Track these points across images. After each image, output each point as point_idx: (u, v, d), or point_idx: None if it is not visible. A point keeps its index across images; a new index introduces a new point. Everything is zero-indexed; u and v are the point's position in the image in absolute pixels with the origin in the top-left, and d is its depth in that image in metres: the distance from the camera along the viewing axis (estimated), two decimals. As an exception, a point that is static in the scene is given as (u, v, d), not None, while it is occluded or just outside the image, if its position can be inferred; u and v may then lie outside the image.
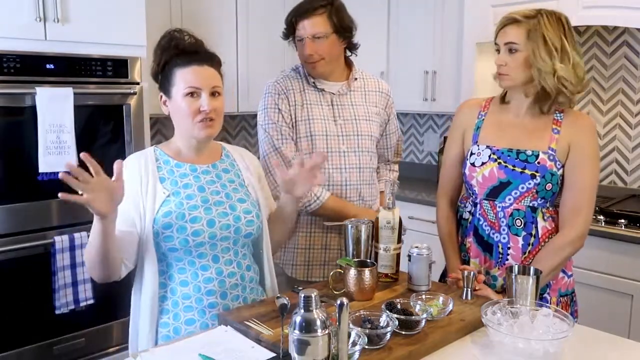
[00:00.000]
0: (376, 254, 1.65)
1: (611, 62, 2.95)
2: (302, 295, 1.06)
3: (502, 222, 1.66)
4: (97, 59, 2.52)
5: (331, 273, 1.54)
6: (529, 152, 1.64)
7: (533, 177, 1.62)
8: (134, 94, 2.62)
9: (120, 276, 1.45)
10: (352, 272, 1.49)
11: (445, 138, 3.53)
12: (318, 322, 1.05)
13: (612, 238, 2.40)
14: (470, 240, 1.73)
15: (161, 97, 1.55)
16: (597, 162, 1.68)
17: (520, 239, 1.65)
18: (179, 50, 1.51)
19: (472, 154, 1.72)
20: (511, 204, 1.65)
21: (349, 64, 2.06)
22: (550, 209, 1.68)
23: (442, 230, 1.82)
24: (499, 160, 1.66)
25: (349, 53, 2.05)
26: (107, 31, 2.53)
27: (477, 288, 1.56)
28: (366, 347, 1.18)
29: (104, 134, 2.58)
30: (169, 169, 1.53)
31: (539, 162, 1.62)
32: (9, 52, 2.28)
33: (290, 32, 1.96)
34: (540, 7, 1.64)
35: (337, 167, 1.95)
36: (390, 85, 2.17)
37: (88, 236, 1.38)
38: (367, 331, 1.21)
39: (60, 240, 2.40)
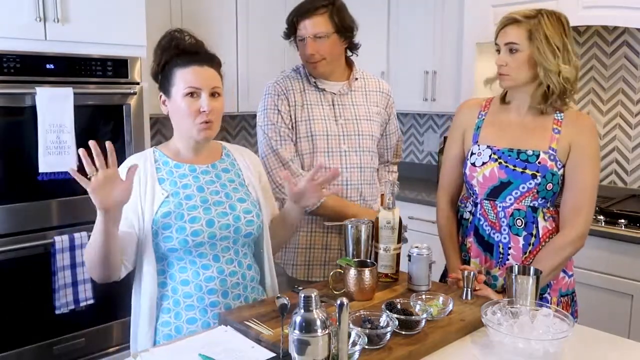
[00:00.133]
0: (376, 254, 1.65)
1: (611, 62, 2.95)
2: (302, 295, 1.06)
3: (503, 222, 1.66)
4: (97, 59, 2.52)
5: (331, 273, 1.54)
6: (530, 152, 1.64)
7: (534, 177, 1.62)
8: (134, 94, 2.62)
9: (120, 276, 1.45)
10: (352, 272, 1.48)
11: (445, 138, 3.53)
12: (318, 322, 1.05)
13: (612, 238, 2.40)
14: (470, 240, 1.73)
15: (161, 97, 1.55)
16: (598, 162, 1.68)
17: (521, 239, 1.65)
18: (179, 51, 1.51)
19: (472, 154, 1.72)
20: (512, 204, 1.65)
21: (349, 64, 2.06)
22: (551, 208, 1.68)
23: (442, 230, 1.82)
24: (499, 160, 1.66)
25: (349, 53, 2.05)
26: (107, 31, 2.53)
27: (477, 288, 1.56)
28: (366, 347, 1.18)
29: (104, 134, 2.58)
30: (168, 170, 1.53)
31: (539, 162, 1.62)
32: (9, 52, 2.28)
33: (291, 31, 1.96)
34: (540, 7, 1.64)
35: (338, 166, 1.95)
36: (390, 85, 2.17)
37: (88, 236, 1.38)
38: (367, 331, 1.21)
39: (60, 240, 2.40)
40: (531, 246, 1.65)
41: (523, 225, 1.65)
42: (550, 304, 1.65)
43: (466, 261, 1.74)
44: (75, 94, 2.39)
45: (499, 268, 1.68)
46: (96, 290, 2.49)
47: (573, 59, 1.60)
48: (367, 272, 1.48)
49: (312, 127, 1.94)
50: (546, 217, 1.66)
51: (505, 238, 1.67)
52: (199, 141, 1.52)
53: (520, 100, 1.69)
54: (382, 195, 2.09)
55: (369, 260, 1.58)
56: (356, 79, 2.05)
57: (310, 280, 1.98)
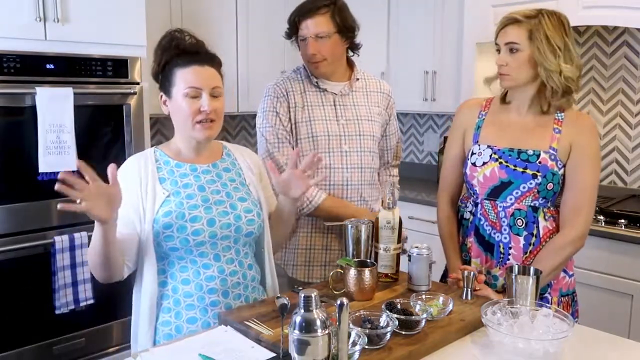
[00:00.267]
0: (376, 254, 1.65)
1: (611, 62, 2.95)
2: (302, 295, 1.06)
3: (503, 222, 1.66)
4: (97, 59, 2.52)
5: (331, 273, 1.54)
6: (530, 152, 1.64)
7: (534, 176, 1.62)
8: (134, 94, 2.62)
9: (122, 276, 1.46)
10: (352, 272, 1.48)
11: (445, 138, 3.53)
12: (318, 322, 1.05)
13: (612, 238, 2.40)
14: (471, 240, 1.73)
15: (161, 97, 1.55)
16: (598, 162, 1.68)
17: (521, 238, 1.65)
18: (179, 51, 1.51)
19: (473, 153, 1.72)
20: (512, 204, 1.65)
21: (350, 64, 2.06)
22: (552, 208, 1.68)
23: (442, 230, 1.82)
24: (500, 160, 1.66)
25: (350, 53, 2.05)
26: (107, 31, 2.53)
27: (477, 288, 1.56)
28: (366, 347, 1.18)
29: (104, 134, 2.58)
30: (169, 170, 1.53)
31: (540, 162, 1.62)
32: (9, 52, 2.28)
33: (293, 31, 1.96)
34: (540, 7, 1.64)
35: (339, 167, 1.95)
36: (390, 86, 2.17)
37: (88, 236, 1.38)
38: (367, 331, 1.21)
39: (60, 240, 2.40)
40: (532, 246, 1.65)
41: (524, 225, 1.65)
42: (551, 303, 1.65)
43: (467, 261, 1.74)
44: (75, 94, 2.39)
45: (500, 268, 1.68)
46: (96, 290, 2.49)
47: (575, 58, 1.60)
48: (367, 272, 1.48)
49: (313, 128, 1.94)
50: (547, 217, 1.66)
51: (505, 238, 1.67)
52: (200, 141, 1.52)
53: (520, 100, 1.69)
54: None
55: (369, 260, 1.58)
56: (357, 79, 2.05)
57: (311, 281, 1.98)
